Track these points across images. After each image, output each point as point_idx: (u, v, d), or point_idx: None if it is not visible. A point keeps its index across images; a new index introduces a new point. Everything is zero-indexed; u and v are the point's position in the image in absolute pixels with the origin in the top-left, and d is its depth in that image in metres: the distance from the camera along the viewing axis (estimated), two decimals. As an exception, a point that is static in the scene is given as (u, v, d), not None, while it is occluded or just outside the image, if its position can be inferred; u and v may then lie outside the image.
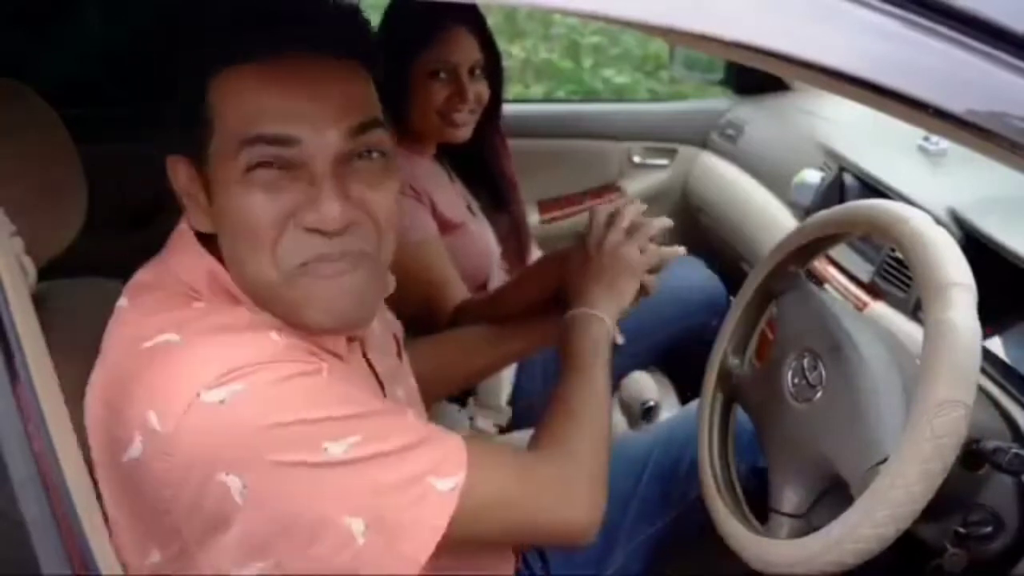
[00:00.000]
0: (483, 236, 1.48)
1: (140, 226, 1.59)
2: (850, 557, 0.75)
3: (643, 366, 1.50)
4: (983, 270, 0.79)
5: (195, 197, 0.73)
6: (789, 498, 0.87)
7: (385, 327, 0.93)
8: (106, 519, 0.67)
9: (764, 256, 1.03)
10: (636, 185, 2.18)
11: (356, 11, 0.74)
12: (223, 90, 0.69)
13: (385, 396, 0.84)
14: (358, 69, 0.72)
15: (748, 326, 1.04)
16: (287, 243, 0.69)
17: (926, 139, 1.50)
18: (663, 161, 2.18)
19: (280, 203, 0.68)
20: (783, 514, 0.87)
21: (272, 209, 0.68)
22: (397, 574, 0.68)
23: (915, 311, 1.21)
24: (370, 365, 0.84)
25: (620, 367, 1.39)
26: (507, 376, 1.44)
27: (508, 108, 1.51)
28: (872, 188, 1.45)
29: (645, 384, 1.39)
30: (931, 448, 0.71)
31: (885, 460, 0.75)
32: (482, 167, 1.54)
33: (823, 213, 0.98)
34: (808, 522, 0.85)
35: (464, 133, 1.41)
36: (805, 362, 0.90)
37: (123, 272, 0.77)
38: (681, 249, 1.05)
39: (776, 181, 1.80)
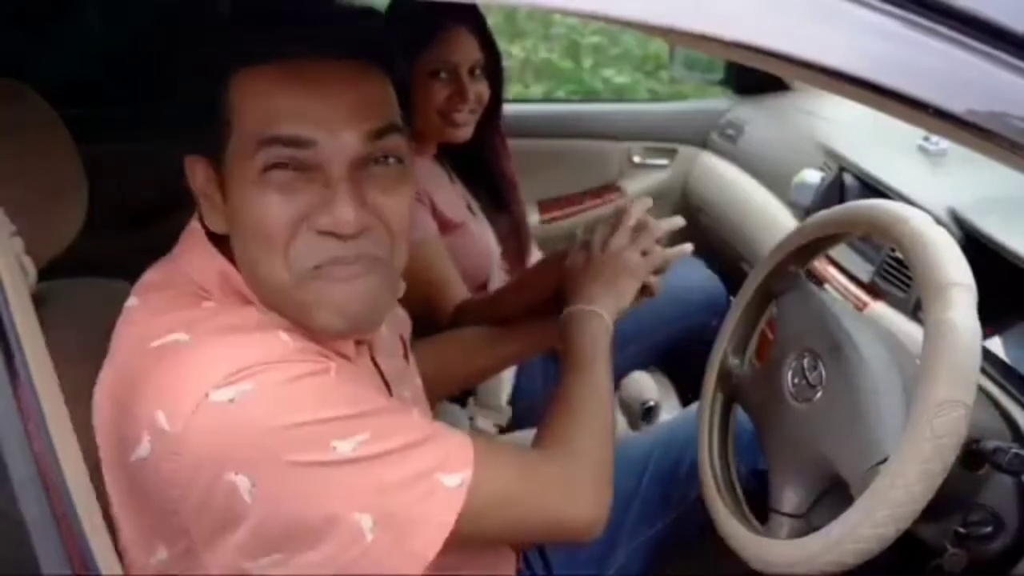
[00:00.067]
0: (483, 236, 1.48)
1: (140, 226, 1.59)
2: (850, 557, 0.75)
3: (643, 366, 1.50)
4: (983, 270, 0.79)
5: (211, 197, 0.73)
6: (789, 498, 0.87)
7: (392, 328, 0.93)
8: (107, 519, 0.67)
9: (764, 256, 1.03)
10: (636, 185, 2.18)
11: (379, 16, 0.75)
12: (242, 90, 0.69)
13: (392, 397, 0.84)
14: (378, 74, 0.72)
15: (748, 326, 1.04)
16: (300, 245, 0.69)
17: (926, 139, 1.50)
18: (663, 161, 2.18)
19: (294, 205, 0.69)
20: (783, 514, 0.87)
21: (286, 211, 0.68)
22: (405, 570, 0.69)
23: (915, 311, 1.21)
24: (377, 368, 0.84)
25: (620, 367, 1.39)
26: (507, 376, 1.44)
27: (508, 108, 1.51)
28: (872, 188, 1.45)
29: (645, 384, 1.39)
30: (931, 448, 0.71)
31: (885, 460, 0.75)
32: (482, 167, 1.54)
33: (823, 213, 0.98)
34: (808, 522, 0.85)
35: (464, 133, 1.41)
36: (805, 362, 0.90)
37: (123, 272, 0.77)
38: (688, 247, 1.05)
39: (776, 181, 1.80)
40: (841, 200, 1.53)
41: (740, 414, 1.03)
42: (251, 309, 0.72)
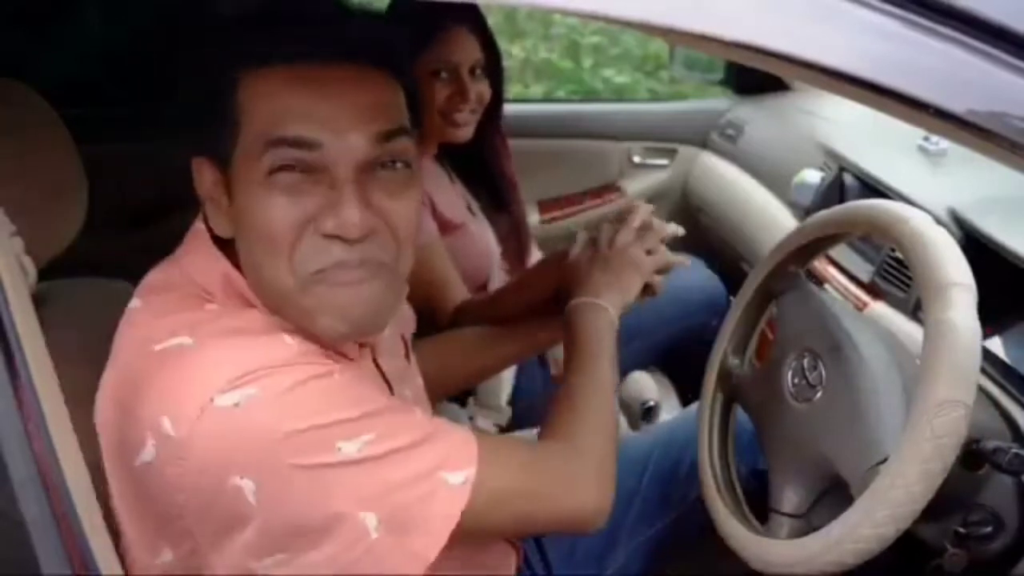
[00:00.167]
0: (483, 237, 1.48)
1: (140, 226, 1.59)
2: (850, 557, 0.75)
3: (643, 366, 1.50)
4: (983, 270, 0.79)
5: (217, 199, 0.73)
6: (789, 498, 0.87)
7: (395, 328, 0.93)
8: (107, 519, 0.67)
9: (764, 256, 1.03)
10: (636, 185, 2.18)
11: (389, 21, 0.75)
12: (251, 91, 0.69)
13: (393, 397, 0.84)
14: (388, 78, 0.72)
15: (748, 326, 1.04)
16: (305, 249, 0.69)
17: (926, 139, 1.50)
18: (663, 161, 2.18)
19: (300, 207, 0.68)
20: (783, 514, 0.87)
21: (292, 213, 0.68)
22: (408, 567, 0.69)
23: (915, 311, 1.21)
24: (379, 369, 0.84)
25: (620, 367, 1.39)
26: (507, 376, 1.44)
27: (508, 108, 1.51)
28: (872, 188, 1.45)
29: (645, 384, 1.39)
30: (931, 448, 0.71)
31: (885, 460, 0.75)
32: (482, 167, 1.54)
33: (823, 213, 0.98)
34: (808, 522, 0.86)
35: (465, 133, 1.41)
36: (805, 362, 0.90)
37: (123, 272, 0.77)
38: (686, 261, 1.06)
39: (776, 181, 1.80)
40: (841, 200, 1.53)
41: (740, 414, 1.03)
42: (255, 312, 0.72)
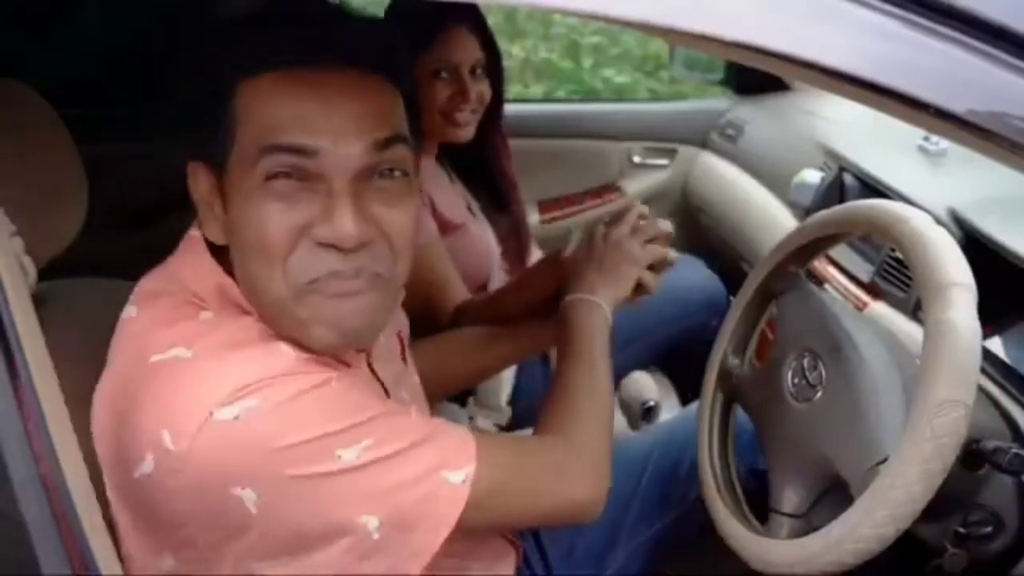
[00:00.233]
0: (483, 237, 1.48)
1: (140, 226, 1.59)
2: (850, 557, 0.75)
3: (643, 366, 1.50)
4: (983, 270, 0.79)
5: (211, 205, 0.72)
6: (789, 498, 0.87)
7: (390, 329, 0.93)
8: (107, 519, 0.67)
9: (764, 256, 1.03)
10: (636, 185, 2.18)
11: (389, 27, 0.74)
12: (248, 97, 0.68)
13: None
14: (387, 85, 0.71)
15: (748, 326, 1.04)
16: (299, 258, 0.68)
17: (926, 139, 1.50)
18: (663, 161, 2.18)
19: (295, 215, 0.67)
20: (783, 514, 0.87)
21: (286, 221, 0.67)
22: (408, 566, 0.69)
23: (915, 311, 1.21)
24: (375, 374, 0.84)
25: (620, 367, 1.39)
26: (507, 376, 1.44)
27: (508, 108, 1.51)
28: (872, 188, 1.45)
29: (645, 384, 1.39)
30: (931, 448, 0.71)
31: (885, 460, 0.75)
32: (483, 167, 1.54)
33: (823, 213, 0.98)
34: (808, 522, 0.86)
35: (466, 133, 1.41)
36: (805, 362, 0.90)
37: (123, 272, 0.77)
38: (676, 256, 1.06)
39: (776, 181, 1.80)
40: (841, 200, 1.53)
41: (740, 414, 1.03)
42: (250, 320, 0.71)
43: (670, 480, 1.10)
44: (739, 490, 0.98)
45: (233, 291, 0.72)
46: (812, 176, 1.61)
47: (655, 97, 3.71)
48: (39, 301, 0.69)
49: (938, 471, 0.71)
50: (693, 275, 1.67)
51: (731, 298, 1.11)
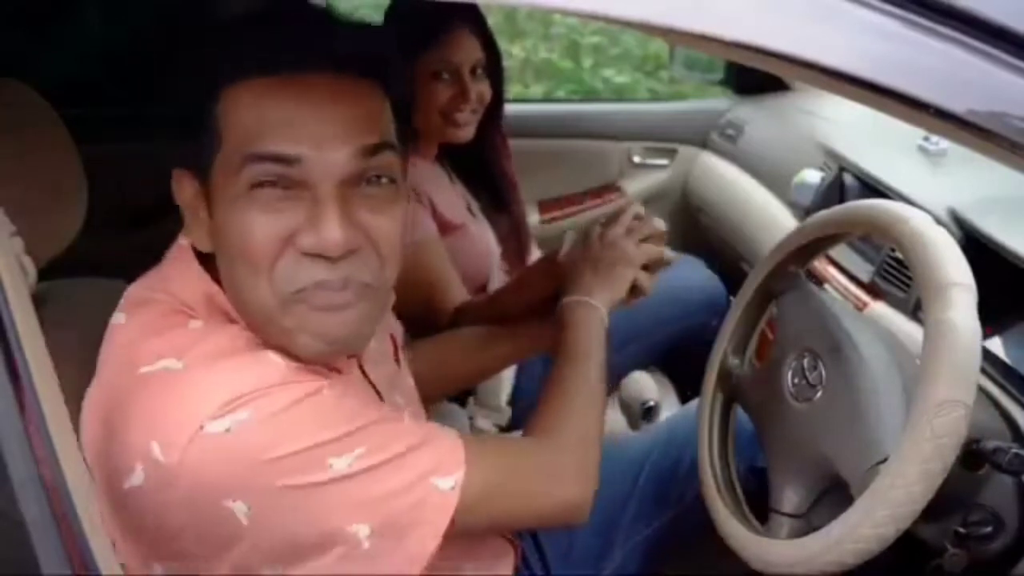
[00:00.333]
0: (483, 237, 1.48)
1: (140, 226, 1.59)
2: (850, 557, 0.75)
3: (643, 366, 1.50)
4: (983, 270, 0.79)
5: (197, 213, 0.72)
6: (789, 498, 0.87)
7: (382, 331, 0.92)
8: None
9: (764, 256, 1.03)
10: (636, 185, 2.18)
11: (378, 31, 0.73)
12: (232, 104, 0.67)
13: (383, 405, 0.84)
14: (375, 90, 0.70)
15: (748, 326, 1.04)
16: (285, 267, 0.67)
17: (926, 139, 1.50)
18: (663, 161, 2.18)
19: (280, 224, 0.67)
20: (783, 514, 0.87)
21: (271, 230, 0.66)
22: (401, 573, 0.69)
23: (915, 311, 1.21)
24: (367, 377, 0.83)
25: (620, 367, 1.39)
26: (507, 376, 1.44)
27: (508, 108, 1.51)
28: (872, 188, 1.45)
29: (645, 384, 1.39)
30: (931, 448, 0.71)
31: (885, 460, 0.75)
32: (483, 167, 1.54)
33: (823, 213, 0.98)
34: (808, 522, 0.86)
35: (466, 133, 1.41)
36: (805, 362, 0.90)
37: (123, 272, 0.77)
38: (675, 257, 1.06)
39: (776, 181, 1.80)
40: (841, 200, 1.53)
41: (740, 413, 1.03)
42: (238, 328, 0.71)
43: (668, 479, 1.10)
44: (739, 490, 0.98)
45: (221, 300, 0.71)
46: (812, 176, 1.61)
47: (655, 97, 3.71)
48: (39, 301, 0.69)
49: (938, 471, 0.71)
50: (693, 275, 1.67)
51: (731, 298, 1.11)
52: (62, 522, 0.53)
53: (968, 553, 0.85)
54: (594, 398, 0.91)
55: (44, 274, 0.76)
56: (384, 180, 0.70)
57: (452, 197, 1.45)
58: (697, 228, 2.11)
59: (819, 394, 0.87)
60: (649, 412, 1.36)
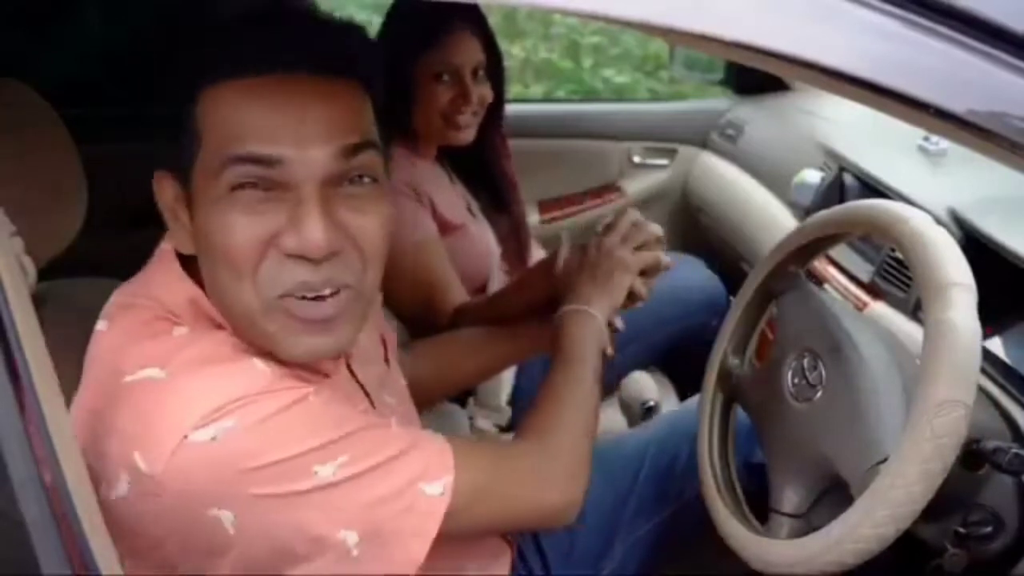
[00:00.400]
0: (483, 237, 1.48)
1: (140, 226, 1.58)
2: (850, 557, 0.75)
3: (643, 366, 1.50)
4: (983, 270, 0.79)
5: (178, 216, 0.71)
6: (789, 498, 0.87)
7: (372, 332, 0.92)
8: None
9: (764, 256, 1.03)
10: (636, 185, 2.18)
11: (357, 30, 0.73)
12: (211, 105, 0.67)
13: (374, 406, 0.84)
14: (355, 89, 0.69)
15: (748, 326, 1.04)
16: (268, 270, 0.67)
17: (926, 139, 1.50)
18: (663, 161, 2.18)
19: (262, 226, 0.66)
20: (783, 514, 0.87)
21: (253, 232, 0.66)
22: None
23: (915, 311, 1.21)
24: (355, 378, 0.83)
25: (620, 367, 1.39)
26: (507, 376, 1.44)
27: (508, 108, 1.51)
28: (872, 188, 1.45)
29: (645, 384, 1.39)
30: (931, 448, 0.71)
31: (885, 460, 0.75)
32: (482, 167, 1.53)
33: (823, 213, 0.98)
34: (808, 522, 0.86)
35: (467, 135, 1.41)
36: (805, 362, 0.90)
37: (123, 272, 0.77)
38: (672, 263, 1.05)
39: (776, 181, 1.80)
40: (841, 200, 1.53)
41: (740, 412, 1.03)
42: (224, 334, 0.70)
43: (667, 476, 1.10)
44: (739, 490, 0.98)
45: (205, 304, 0.71)
46: (812, 176, 1.61)
47: (655, 97, 3.71)
48: (39, 301, 0.69)
49: (938, 471, 0.71)
50: (693, 275, 1.67)
51: (731, 298, 1.11)
52: (62, 522, 0.53)
53: (968, 553, 0.85)
54: (587, 403, 0.91)
55: (44, 274, 0.76)
56: (367, 180, 0.70)
57: (452, 197, 1.45)
58: (697, 228, 2.11)
59: (819, 394, 0.87)
60: (649, 412, 1.36)
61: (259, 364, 0.68)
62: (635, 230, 1.01)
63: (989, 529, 0.85)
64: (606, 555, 1.07)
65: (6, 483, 0.52)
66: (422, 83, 1.36)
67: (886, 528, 0.72)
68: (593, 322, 0.96)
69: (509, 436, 1.38)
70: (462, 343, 1.16)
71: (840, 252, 1.43)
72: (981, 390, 0.91)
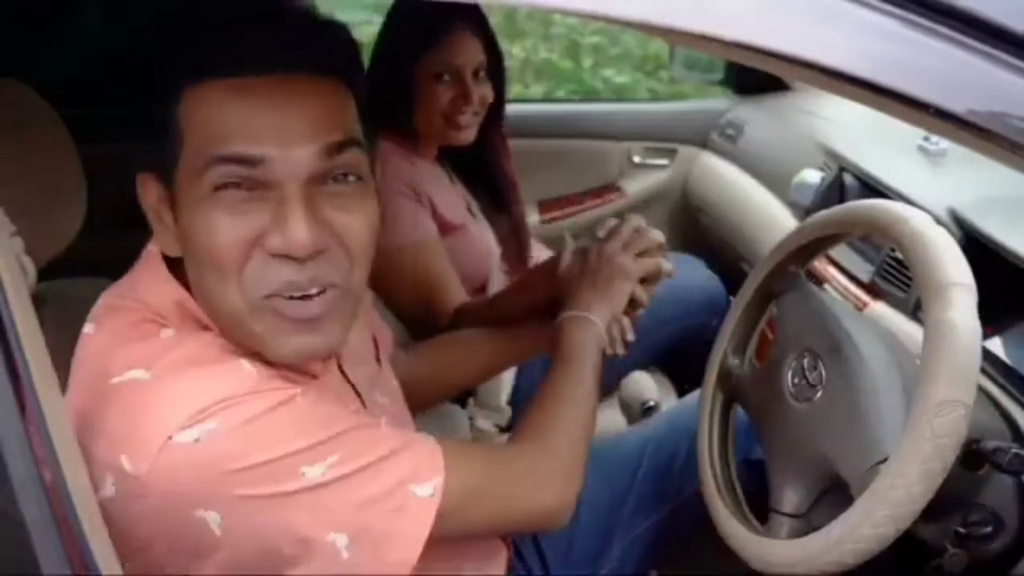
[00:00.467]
0: (483, 238, 1.48)
1: (140, 226, 1.59)
2: (850, 557, 0.75)
3: (643, 366, 1.50)
4: (983, 270, 0.79)
5: (162, 218, 0.71)
6: (789, 498, 0.87)
7: (363, 331, 0.91)
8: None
9: (764, 256, 1.03)
10: (636, 185, 2.17)
11: (338, 28, 0.72)
12: (192, 105, 0.66)
13: (365, 406, 0.83)
14: (338, 87, 0.69)
15: (748, 326, 1.04)
16: (253, 270, 0.66)
17: (926, 139, 1.50)
18: (663, 161, 2.18)
19: (246, 226, 0.66)
20: (783, 514, 0.87)
21: (238, 232, 0.65)
22: None
23: (915, 311, 1.21)
24: (346, 377, 0.83)
25: (620, 367, 1.39)
26: (507, 376, 1.44)
27: (508, 108, 1.51)
28: (872, 188, 1.45)
29: (645, 384, 1.39)
30: (931, 448, 0.71)
31: (885, 460, 0.75)
32: (482, 167, 1.53)
33: (823, 213, 0.98)
34: (808, 522, 0.86)
35: (468, 136, 1.41)
36: (805, 362, 0.90)
37: (123, 272, 0.77)
38: (674, 271, 1.05)
39: (776, 181, 1.80)
40: (841, 200, 1.53)
41: (739, 412, 1.03)
42: (210, 336, 0.70)
43: (665, 474, 1.10)
44: (739, 490, 0.98)
45: (192, 306, 0.70)
46: (812, 176, 1.61)
47: (655, 97, 3.71)
48: (39, 301, 0.69)
49: (938, 471, 0.71)
50: (693, 275, 1.67)
51: (731, 298, 1.11)
52: (62, 522, 0.53)
53: (968, 553, 0.85)
54: (585, 404, 0.91)
55: (44, 274, 0.76)
56: (351, 178, 0.69)
57: (452, 197, 1.45)
58: (697, 228, 2.11)
59: (819, 394, 0.87)
60: (649, 412, 1.36)
61: (246, 365, 0.68)
62: (637, 236, 1.01)
63: (989, 529, 0.85)
64: (604, 554, 1.07)
65: (6, 483, 0.52)
66: (423, 83, 1.36)
67: (886, 528, 0.72)
68: (593, 328, 0.96)
69: (479, 443, 1.38)
70: (462, 344, 1.15)
71: (840, 252, 1.43)
72: (981, 390, 0.91)
